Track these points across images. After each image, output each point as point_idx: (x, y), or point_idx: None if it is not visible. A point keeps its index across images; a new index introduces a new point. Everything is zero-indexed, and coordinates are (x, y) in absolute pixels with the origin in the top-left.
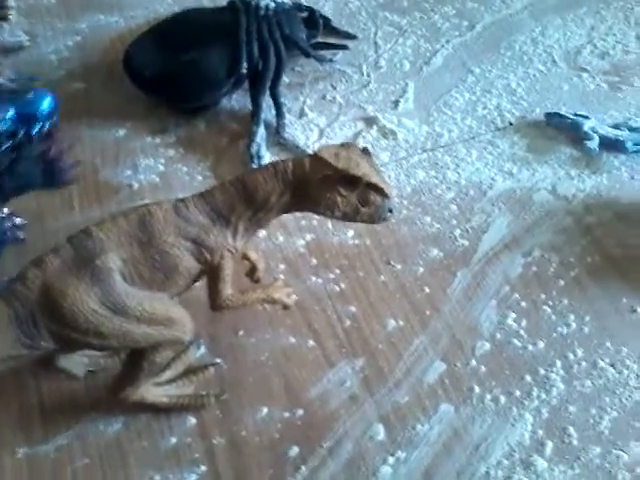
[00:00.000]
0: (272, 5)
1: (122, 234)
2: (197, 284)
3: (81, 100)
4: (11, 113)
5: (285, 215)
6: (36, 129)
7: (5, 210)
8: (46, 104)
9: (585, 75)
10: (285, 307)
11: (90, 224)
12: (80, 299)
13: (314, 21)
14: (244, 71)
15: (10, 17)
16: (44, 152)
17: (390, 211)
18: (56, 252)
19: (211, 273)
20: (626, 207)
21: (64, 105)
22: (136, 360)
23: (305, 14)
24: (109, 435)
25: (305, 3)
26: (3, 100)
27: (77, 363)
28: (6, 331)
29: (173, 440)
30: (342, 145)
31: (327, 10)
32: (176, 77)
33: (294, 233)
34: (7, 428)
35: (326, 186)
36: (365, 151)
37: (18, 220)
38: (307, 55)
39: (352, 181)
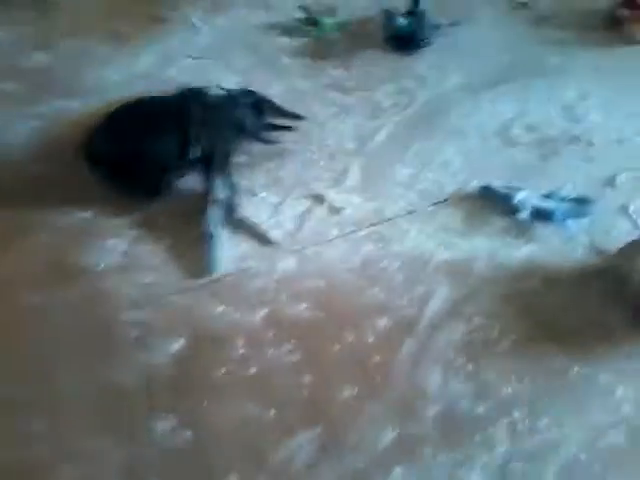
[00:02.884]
0: (221, 93)
1: None
2: None
3: (43, 184)
4: None
5: (241, 290)
6: None
7: None
8: None
9: (515, 148)
10: None
11: None
12: None
13: (261, 106)
14: (196, 155)
15: None
16: None
17: None
18: None
19: None
20: (557, 272)
21: (26, 190)
22: None
23: (253, 100)
24: None
25: (254, 88)
26: None
27: None
28: None
29: None
30: None
31: (275, 91)
32: (129, 167)
33: (251, 307)
34: None
35: None
36: None
37: None
38: (255, 139)
39: None
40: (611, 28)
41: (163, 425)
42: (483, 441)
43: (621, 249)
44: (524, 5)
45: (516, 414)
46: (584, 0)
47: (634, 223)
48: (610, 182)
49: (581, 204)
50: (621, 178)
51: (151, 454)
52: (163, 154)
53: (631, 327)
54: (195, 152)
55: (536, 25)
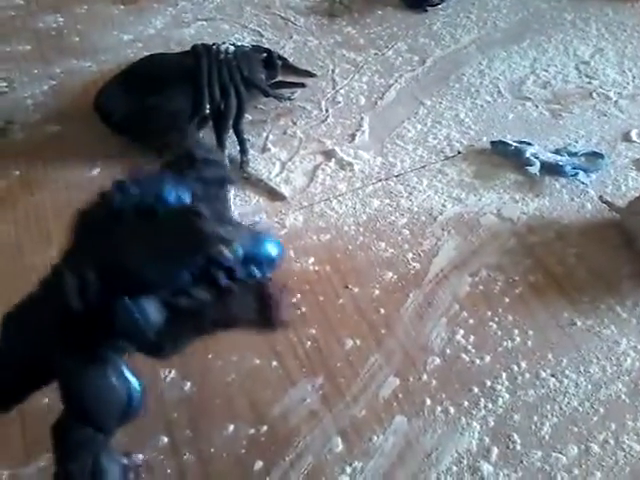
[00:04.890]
0: (232, 49)
1: None
2: None
3: (56, 142)
4: (239, 252)
5: None
6: (255, 273)
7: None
8: (274, 252)
9: (529, 104)
10: None
11: None
12: None
13: (272, 62)
14: (207, 111)
15: None
16: (261, 287)
17: None
18: None
19: None
20: (566, 226)
21: (39, 148)
22: None
23: (264, 56)
24: None
25: (266, 44)
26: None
27: None
28: None
29: (145, 457)
30: None
31: (288, 50)
32: (142, 120)
33: None
34: None
35: None
36: None
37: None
38: (266, 94)
39: None
40: None
41: (167, 377)
42: (483, 393)
43: (630, 203)
44: None
45: (517, 367)
46: None
47: None
48: (625, 137)
49: (593, 159)
50: (636, 133)
51: (155, 406)
52: (174, 109)
53: (638, 282)
54: (207, 108)
55: None
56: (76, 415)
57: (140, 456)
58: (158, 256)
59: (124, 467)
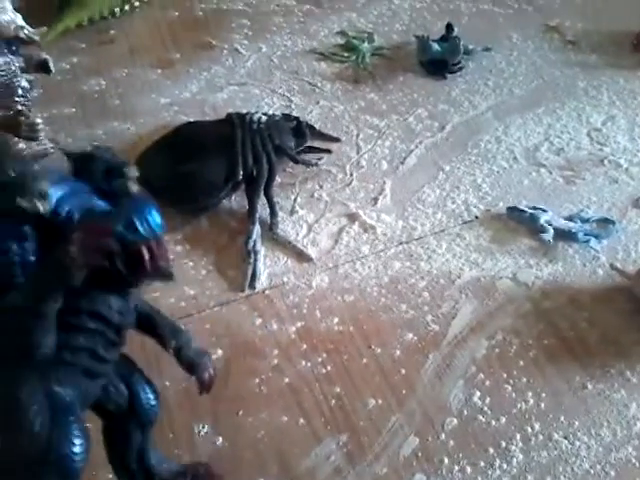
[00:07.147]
0: (264, 118)
1: None
2: None
3: None
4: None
5: (278, 304)
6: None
7: None
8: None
9: (543, 170)
10: None
11: None
12: None
13: (301, 130)
14: (240, 177)
15: (40, 138)
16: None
17: None
18: None
19: None
20: (578, 292)
21: None
22: None
23: (293, 124)
24: None
25: (295, 110)
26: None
27: None
28: None
29: None
30: None
31: (314, 115)
32: (180, 186)
33: (287, 320)
34: None
35: None
36: None
37: None
38: (295, 162)
39: None
40: None
41: (200, 432)
42: (498, 454)
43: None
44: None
45: (531, 428)
46: (615, 22)
47: None
48: (635, 204)
49: (604, 225)
50: None
51: (190, 460)
52: (210, 176)
53: None
54: (240, 174)
55: (565, 49)
56: None
57: None
58: None
59: None
